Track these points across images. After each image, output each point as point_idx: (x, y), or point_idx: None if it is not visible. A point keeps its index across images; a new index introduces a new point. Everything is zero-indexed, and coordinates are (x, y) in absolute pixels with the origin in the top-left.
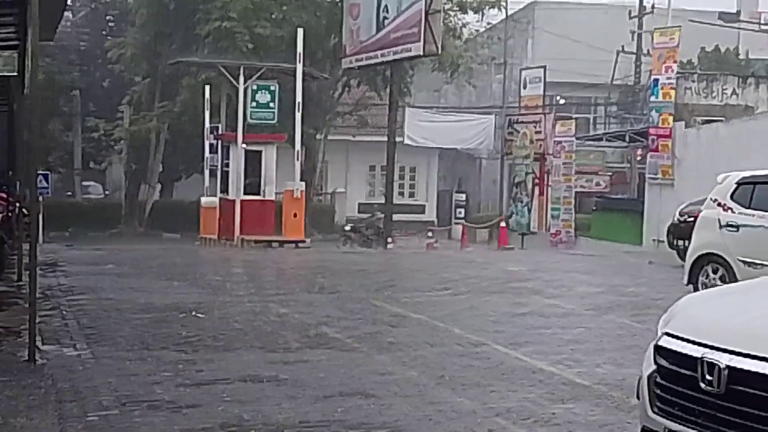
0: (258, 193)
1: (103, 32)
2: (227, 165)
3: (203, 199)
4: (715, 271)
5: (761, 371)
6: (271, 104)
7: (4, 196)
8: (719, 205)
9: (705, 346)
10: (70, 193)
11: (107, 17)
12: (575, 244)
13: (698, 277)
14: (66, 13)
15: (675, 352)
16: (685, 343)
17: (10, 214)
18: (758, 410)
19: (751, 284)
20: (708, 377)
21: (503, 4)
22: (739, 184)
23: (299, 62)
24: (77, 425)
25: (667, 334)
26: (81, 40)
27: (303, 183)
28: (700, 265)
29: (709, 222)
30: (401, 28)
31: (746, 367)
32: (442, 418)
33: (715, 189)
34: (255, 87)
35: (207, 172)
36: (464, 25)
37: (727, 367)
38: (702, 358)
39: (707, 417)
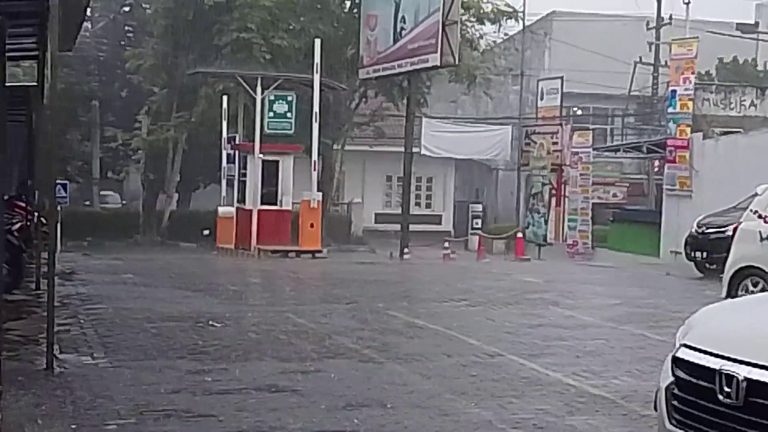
0: (275, 203)
1: (122, 43)
2: (244, 175)
3: (220, 209)
4: (755, 285)
5: None
6: (289, 114)
7: (23, 205)
8: (760, 216)
9: (723, 357)
10: (88, 202)
11: (126, 28)
12: (592, 256)
13: (737, 291)
14: (85, 24)
15: (693, 363)
16: (703, 355)
17: (28, 223)
18: None
19: None
20: (726, 389)
21: (520, 15)
22: None
23: (317, 73)
24: None
25: (685, 346)
26: (100, 51)
27: (320, 193)
28: (739, 279)
29: (750, 234)
30: (418, 39)
31: (765, 380)
32: (457, 429)
33: (756, 200)
34: (272, 97)
35: (224, 182)
36: (481, 36)
37: (746, 379)
38: (720, 370)
39: (725, 429)
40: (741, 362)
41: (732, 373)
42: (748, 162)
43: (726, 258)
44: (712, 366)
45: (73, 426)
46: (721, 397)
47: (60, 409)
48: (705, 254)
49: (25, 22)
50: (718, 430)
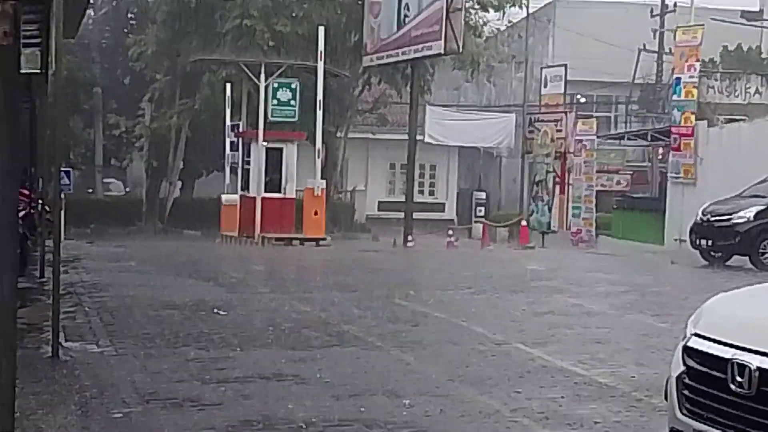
0: (279, 191)
1: (125, 30)
2: (248, 162)
3: (224, 197)
4: None
5: None
6: (292, 102)
7: (27, 192)
8: None
9: (735, 347)
10: (91, 190)
11: (128, 15)
12: (596, 243)
13: None
14: (88, 11)
15: (704, 353)
16: (714, 344)
17: (32, 210)
18: None
19: None
20: (738, 379)
21: (524, 2)
22: None
23: (320, 60)
24: (100, 422)
25: (697, 335)
26: (102, 38)
27: (324, 181)
28: None
29: None
30: (422, 26)
31: None
32: (465, 418)
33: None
34: (276, 84)
35: (228, 170)
36: (485, 23)
37: (758, 368)
38: (732, 359)
39: (737, 419)
40: (753, 351)
41: (744, 363)
42: (753, 150)
43: (730, 245)
44: (724, 355)
45: (79, 414)
46: (733, 386)
47: (66, 398)
48: (710, 242)
49: (28, 9)
50: (729, 420)
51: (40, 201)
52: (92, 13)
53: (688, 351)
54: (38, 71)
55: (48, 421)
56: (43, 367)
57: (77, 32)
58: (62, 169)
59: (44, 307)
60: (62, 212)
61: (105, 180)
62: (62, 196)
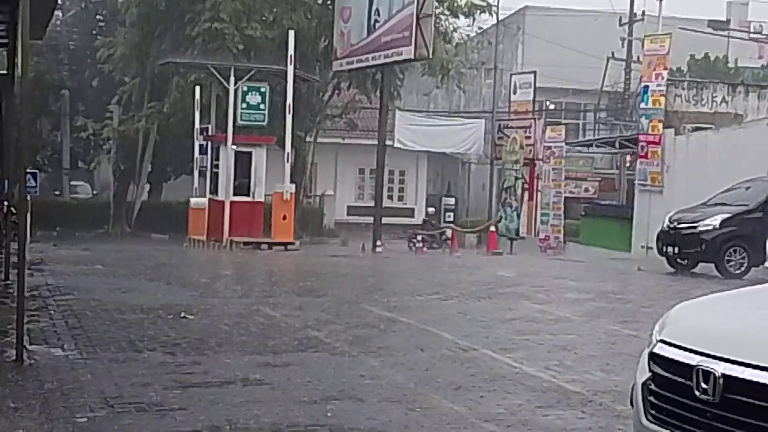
0: (247, 195)
1: (93, 32)
2: (217, 166)
3: (192, 200)
4: None
5: (757, 380)
6: (262, 106)
7: None
8: None
9: (700, 354)
10: (57, 192)
11: (97, 17)
12: (564, 250)
13: None
14: (56, 12)
15: (670, 359)
16: (680, 351)
17: None
18: (753, 419)
19: (748, 291)
20: (703, 385)
21: (494, 9)
22: None
23: (290, 64)
24: (64, 427)
25: (662, 342)
26: (71, 40)
27: (293, 185)
28: None
29: None
30: (392, 32)
31: (742, 376)
32: (431, 424)
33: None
34: (245, 88)
35: (196, 173)
36: (455, 30)
37: (723, 375)
38: (697, 366)
39: (702, 425)
40: (718, 358)
41: (709, 370)
42: (719, 158)
43: (696, 253)
44: (689, 362)
45: (44, 418)
46: (698, 393)
47: (30, 402)
48: (676, 249)
49: None
50: (694, 426)
51: (5, 203)
52: (60, 15)
53: (653, 357)
54: (5, 72)
55: (11, 425)
56: (7, 371)
57: (45, 33)
58: (29, 171)
59: (9, 310)
60: (28, 215)
61: (72, 183)
62: (28, 198)
